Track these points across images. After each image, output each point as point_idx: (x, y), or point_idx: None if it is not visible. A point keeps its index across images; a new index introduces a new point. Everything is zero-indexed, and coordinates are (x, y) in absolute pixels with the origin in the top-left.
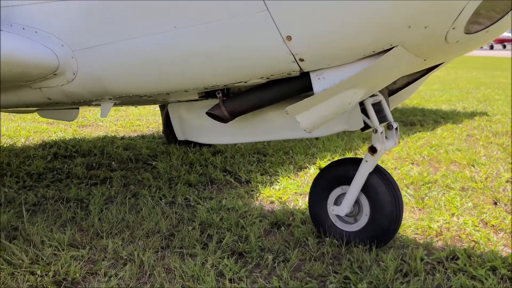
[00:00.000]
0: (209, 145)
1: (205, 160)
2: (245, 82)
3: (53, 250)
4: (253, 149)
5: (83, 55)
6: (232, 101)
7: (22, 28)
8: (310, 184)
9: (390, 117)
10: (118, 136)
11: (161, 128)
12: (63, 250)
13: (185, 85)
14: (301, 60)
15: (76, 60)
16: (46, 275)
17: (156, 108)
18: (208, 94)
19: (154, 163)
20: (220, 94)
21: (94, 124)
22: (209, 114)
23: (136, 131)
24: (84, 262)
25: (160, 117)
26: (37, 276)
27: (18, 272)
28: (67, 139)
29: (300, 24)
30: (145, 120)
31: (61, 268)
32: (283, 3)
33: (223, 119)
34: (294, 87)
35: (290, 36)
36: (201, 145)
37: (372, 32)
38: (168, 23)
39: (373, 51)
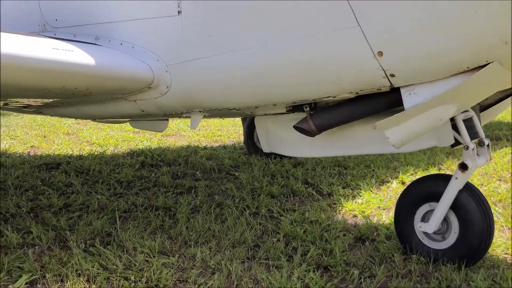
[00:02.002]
0: (290, 157)
1: (286, 172)
2: (334, 97)
3: (145, 256)
4: (334, 162)
5: (177, 69)
6: (320, 115)
7: (120, 43)
8: (394, 199)
9: (481, 133)
10: (200, 146)
11: (241, 138)
12: (154, 257)
13: (275, 99)
14: (392, 75)
15: (170, 74)
16: (139, 280)
17: (236, 119)
18: (295, 108)
19: (236, 173)
20: (308, 108)
21: (177, 133)
22: (296, 128)
23: (218, 141)
24: (174, 269)
25: (241, 128)
26: (131, 281)
27: (113, 277)
28: (153, 148)
29: (391, 40)
30: (226, 131)
31: (153, 275)
32: (375, 19)
33: (310, 133)
34: (383, 102)
35: (381, 52)
36: (282, 156)
37: (467, 48)
38: (260, 39)
39: (467, 67)
